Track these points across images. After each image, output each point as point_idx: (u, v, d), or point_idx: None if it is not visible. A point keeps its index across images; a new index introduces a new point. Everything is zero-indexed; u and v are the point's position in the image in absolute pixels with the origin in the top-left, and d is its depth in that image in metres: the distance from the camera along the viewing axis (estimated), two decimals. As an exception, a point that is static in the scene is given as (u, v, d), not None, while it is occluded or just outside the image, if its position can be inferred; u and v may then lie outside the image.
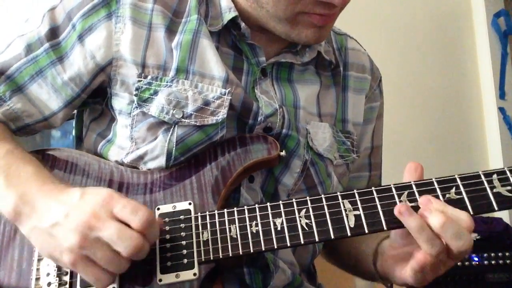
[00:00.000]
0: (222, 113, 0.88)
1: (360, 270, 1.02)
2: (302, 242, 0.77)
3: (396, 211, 0.75)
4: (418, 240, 0.74)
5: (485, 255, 1.79)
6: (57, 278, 0.80)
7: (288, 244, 0.77)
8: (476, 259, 1.79)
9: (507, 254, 1.80)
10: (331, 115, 1.00)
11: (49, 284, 0.80)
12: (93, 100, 0.95)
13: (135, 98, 0.88)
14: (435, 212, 0.73)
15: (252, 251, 0.77)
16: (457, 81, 2.68)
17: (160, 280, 0.77)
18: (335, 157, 0.98)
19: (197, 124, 0.87)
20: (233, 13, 0.92)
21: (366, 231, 0.76)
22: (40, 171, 0.83)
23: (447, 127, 2.58)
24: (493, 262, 1.79)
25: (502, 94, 2.67)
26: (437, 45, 2.65)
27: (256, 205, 0.80)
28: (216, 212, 0.81)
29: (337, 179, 0.98)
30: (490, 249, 1.81)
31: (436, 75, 2.62)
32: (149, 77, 0.89)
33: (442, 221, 0.72)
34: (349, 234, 0.76)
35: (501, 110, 2.65)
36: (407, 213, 0.74)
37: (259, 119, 0.89)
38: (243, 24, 0.92)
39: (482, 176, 0.77)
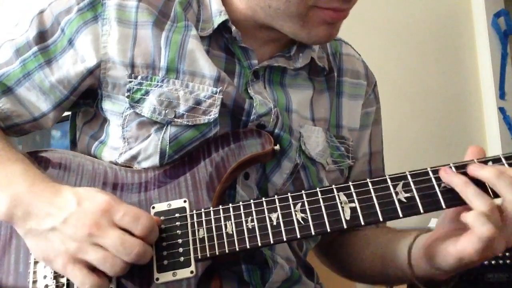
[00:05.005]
0: (214, 112, 0.87)
1: (387, 273, 0.97)
2: (299, 236, 0.77)
3: (441, 172, 0.76)
4: (467, 197, 0.73)
5: (485, 255, 1.79)
6: (54, 281, 0.80)
7: (284, 239, 0.77)
8: (476, 259, 1.79)
9: (507, 254, 1.78)
10: (324, 119, 0.99)
11: (46, 286, 0.80)
12: (83, 101, 0.95)
13: (127, 100, 0.88)
14: (488, 167, 0.74)
15: (248, 247, 0.77)
16: (457, 81, 2.68)
17: (157, 279, 0.77)
18: (327, 162, 0.97)
19: (189, 124, 0.87)
20: (224, 17, 0.91)
21: (362, 223, 0.76)
22: (29, 169, 0.82)
23: (447, 127, 2.58)
24: (493, 262, 1.77)
25: (502, 94, 2.67)
26: (437, 45, 2.65)
27: (252, 201, 0.80)
28: (211, 209, 0.80)
29: (329, 185, 0.97)
30: (490, 249, 1.80)
31: (436, 75, 2.61)
32: (139, 77, 0.88)
33: (498, 171, 0.73)
34: (345, 226, 0.76)
35: (501, 110, 2.65)
36: (451, 172, 0.75)
37: (251, 117, 0.89)
38: (234, 28, 0.91)
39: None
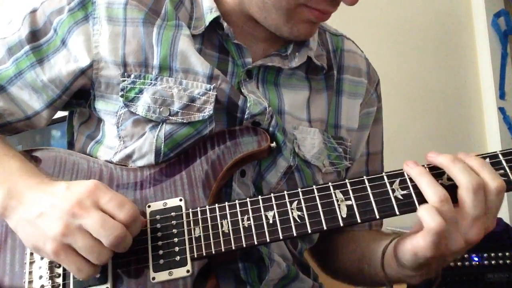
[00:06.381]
0: (209, 109, 0.87)
1: (363, 273, 0.97)
2: (295, 234, 0.76)
3: (404, 165, 0.77)
4: (421, 187, 0.74)
5: (485, 255, 1.78)
6: (50, 281, 0.79)
7: (281, 237, 0.77)
8: (476, 259, 1.78)
9: (507, 254, 1.78)
10: (321, 120, 0.97)
11: (42, 286, 0.79)
12: (76, 101, 0.95)
13: (121, 99, 0.88)
14: (444, 154, 0.76)
15: (244, 245, 0.77)
16: (457, 81, 2.68)
17: (153, 278, 0.77)
18: (324, 165, 0.96)
19: (184, 121, 0.87)
20: (215, 14, 0.90)
21: (359, 220, 0.76)
22: (25, 165, 0.83)
23: (447, 127, 2.57)
24: (493, 262, 1.77)
25: (502, 94, 2.66)
26: (437, 45, 2.65)
27: (248, 199, 0.79)
28: (207, 207, 0.80)
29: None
30: (490, 249, 1.80)
31: (436, 75, 2.61)
32: (132, 75, 0.88)
33: (453, 157, 0.75)
34: (341, 224, 0.76)
35: (501, 110, 2.64)
36: (412, 164, 0.77)
37: (245, 116, 0.88)
38: (225, 24, 0.90)
39: None
